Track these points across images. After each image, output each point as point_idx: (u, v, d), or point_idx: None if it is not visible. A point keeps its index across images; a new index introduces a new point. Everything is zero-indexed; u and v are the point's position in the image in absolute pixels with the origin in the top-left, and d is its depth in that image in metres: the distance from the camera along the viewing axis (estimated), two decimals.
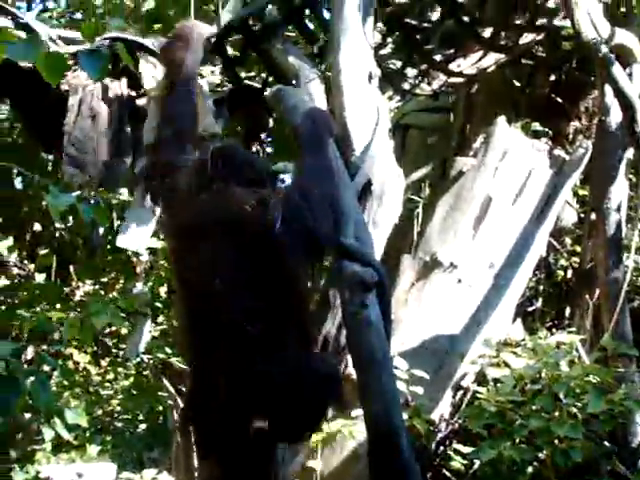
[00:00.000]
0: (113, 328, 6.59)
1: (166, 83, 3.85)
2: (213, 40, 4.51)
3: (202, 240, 3.28)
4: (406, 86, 5.64)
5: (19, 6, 6.77)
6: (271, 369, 3.16)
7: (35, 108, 4.20)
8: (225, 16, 4.57)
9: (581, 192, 6.14)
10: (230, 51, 4.91)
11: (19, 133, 6.08)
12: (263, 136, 5.45)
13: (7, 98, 4.40)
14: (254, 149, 5.16)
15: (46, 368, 5.10)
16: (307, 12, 4.77)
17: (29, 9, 6.87)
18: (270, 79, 4.83)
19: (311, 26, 4.91)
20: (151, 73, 4.58)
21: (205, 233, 3.27)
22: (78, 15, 6.26)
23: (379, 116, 4.19)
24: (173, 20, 5.64)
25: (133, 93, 4.56)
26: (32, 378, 3.47)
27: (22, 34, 3.71)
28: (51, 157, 6.46)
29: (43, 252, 6.43)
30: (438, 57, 5.50)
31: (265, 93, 4.75)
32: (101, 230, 5.92)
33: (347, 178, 3.91)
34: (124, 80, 4.46)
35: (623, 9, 5.52)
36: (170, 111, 3.65)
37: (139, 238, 4.58)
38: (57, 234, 6.40)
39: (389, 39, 5.43)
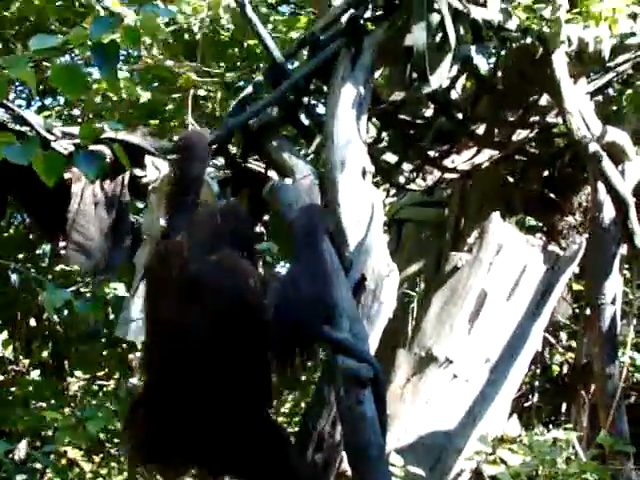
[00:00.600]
0: None
1: (171, 185, 3.97)
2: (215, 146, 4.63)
3: (195, 298, 3.41)
4: (402, 180, 5.69)
5: (19, 104, 6.89)
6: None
7: (38, 196, 4.24)
8: (230, 121, 4.66)
9: (576, 287, 6.15)
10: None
11: (16, 228, 6.12)
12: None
13: (12, 191, 4.42)
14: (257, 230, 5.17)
15: (39, 466, 5.05)
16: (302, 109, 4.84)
17: (28, 106, 6.98)
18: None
19: (306, 122, 4.96)
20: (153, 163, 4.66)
21: (201, 292, 3.41)
22: (76, 111, 6.36)
23: (373, 211, 4.23)
24: (169, 114, 5.74)
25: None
26: (24, 477, 3.46)
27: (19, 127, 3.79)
28: (47, 250, 6.49)
29: (38, 347, 6.41)
30: (432, 153, 5.55)
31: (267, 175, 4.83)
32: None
33: (342, 273, 3.93)
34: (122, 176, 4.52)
35: (614, 107, 5.62)
36: (173, 222, 3.77)
37: (136, 329, 4.59)
38: (52, 328, 6.39)
39: (384, 134, 5.49)
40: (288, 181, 4.45)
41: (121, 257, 4.65)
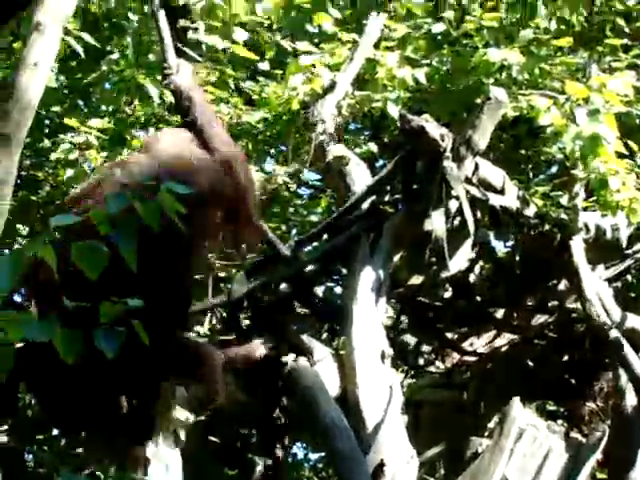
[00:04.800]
0: None
1: None
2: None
3: None
4: (420, 362, 5.67)
5: None
6: None
7: (50, 387, 4.19)
8: (236, 290, 4.67)
9: (600, 475, 6.00)
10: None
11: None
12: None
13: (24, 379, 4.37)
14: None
15: None
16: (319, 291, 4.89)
17: None
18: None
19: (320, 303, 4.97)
20: None
21: None
22: None
23: (392, 394, 4.23)
24: None
25: None
26: None
27: None
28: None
29: None
30: (451, 335, 5.54)
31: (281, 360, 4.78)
32: None
33: (360, 456, 3.89)
34: None
35: (633, 294, 5.64)
36: None
37: None
38: None
39: (403, 317, 5.51)
40: (305, 363, 4.44)
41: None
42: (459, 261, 4.71)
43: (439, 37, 5.85)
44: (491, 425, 5.67)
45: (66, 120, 5.40)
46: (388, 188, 4.75)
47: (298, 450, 8.07)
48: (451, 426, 6.33)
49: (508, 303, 5.43)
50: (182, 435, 4.25)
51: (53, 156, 5.28)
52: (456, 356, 5.67)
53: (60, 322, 2.96)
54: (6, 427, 5.72)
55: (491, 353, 5.66)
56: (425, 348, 5.61)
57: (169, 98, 5.09)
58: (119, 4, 5.67)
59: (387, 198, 4.77)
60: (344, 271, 4.78)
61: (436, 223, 4.52)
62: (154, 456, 4.24)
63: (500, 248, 5.53)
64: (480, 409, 6.10)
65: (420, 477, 5.29)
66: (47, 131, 6.01)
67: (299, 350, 4.59)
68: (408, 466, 4.13)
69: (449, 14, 5.78)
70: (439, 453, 6.33)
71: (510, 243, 5.60)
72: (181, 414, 4.14)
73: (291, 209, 6.18)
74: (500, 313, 5.49)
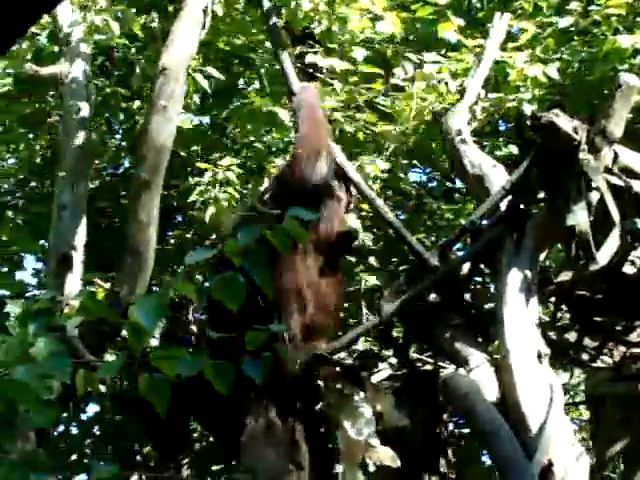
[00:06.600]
0: None
1: None
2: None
3: None
4: (585, 357, 5.55)
5: None
6: None
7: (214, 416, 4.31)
8: (387, 307, 4.69)
9: None
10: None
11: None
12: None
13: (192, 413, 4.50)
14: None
15: None
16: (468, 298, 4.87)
17: None
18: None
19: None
20: None
21: None
22: None
23: (553, 394, 4.16)
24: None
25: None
26: None
27: None
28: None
29: None
30: (616, 327, 5.41)
31: (439, 374, 4.79)
32: None
33: (524, 461, 3.86)
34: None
35: None
36: None
37: None
38: None
39: (563, 312, 5.41)
40: (460, 372, 4.45)
41: None
42: (608, 253, 4.59)
43: (570, 29, 5.75)
44: None
45: (198, 164, 5.62)
46: (526, 187, 4.70)
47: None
48: (629, 420, 6.17)
49: None
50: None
51: (190, 198, 5.43)
52: (623, 348, 5.52)
53: (209, 354, 3.07)
54: (187, 460, 5.90)
55: None
56: (589, 342, 5.48)
57: None
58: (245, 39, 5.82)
59: (526, 197, 4.73)
60: (490, 274, 4.77)
61: (579, 217, 4.43)
62: None
63: None
64: None
65: (602, 476, 5.20)
66: (189, 170, 6.19)
67: (454, 359, 4.61)
68: (578, 464, 4.05)
69: (575, 5, 5.69)
70: (621, 449, 6.17)
71: None
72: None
73: (437, 217, 6.19)
74: None
